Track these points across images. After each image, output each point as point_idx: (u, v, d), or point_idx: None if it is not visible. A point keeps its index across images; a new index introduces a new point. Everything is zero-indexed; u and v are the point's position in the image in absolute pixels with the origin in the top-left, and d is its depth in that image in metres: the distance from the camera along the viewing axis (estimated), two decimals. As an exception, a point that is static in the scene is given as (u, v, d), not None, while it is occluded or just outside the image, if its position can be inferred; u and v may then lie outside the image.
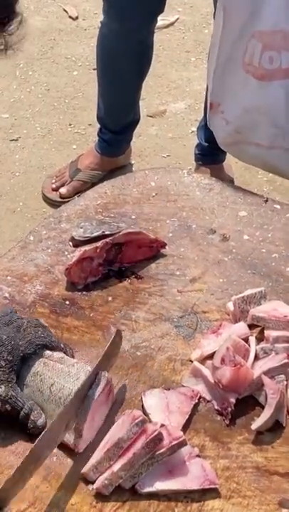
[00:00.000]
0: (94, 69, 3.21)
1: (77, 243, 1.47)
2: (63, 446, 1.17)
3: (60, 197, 2.77)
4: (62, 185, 2.78)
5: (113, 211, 1.60)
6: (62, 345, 1.27)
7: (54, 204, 2.77)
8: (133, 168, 2.92)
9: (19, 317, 1.27)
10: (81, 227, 1.47)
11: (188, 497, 1.13)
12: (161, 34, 3.40)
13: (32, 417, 1.17)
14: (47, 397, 1.19)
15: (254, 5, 1.62)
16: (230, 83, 1.76)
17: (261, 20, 1.64)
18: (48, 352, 1.24)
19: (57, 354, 1.24)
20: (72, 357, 1.28)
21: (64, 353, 1.26)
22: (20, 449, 1.17)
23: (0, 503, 1.05)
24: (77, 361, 1.25)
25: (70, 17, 3.73)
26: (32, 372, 1.20)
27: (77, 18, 3.72)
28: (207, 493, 1.14)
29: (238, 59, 1.70)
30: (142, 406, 1.24)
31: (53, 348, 1.24)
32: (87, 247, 1.43)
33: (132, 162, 2.94)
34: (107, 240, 1.44)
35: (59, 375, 1.20)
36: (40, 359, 1.22)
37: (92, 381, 1.19)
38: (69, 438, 1.16)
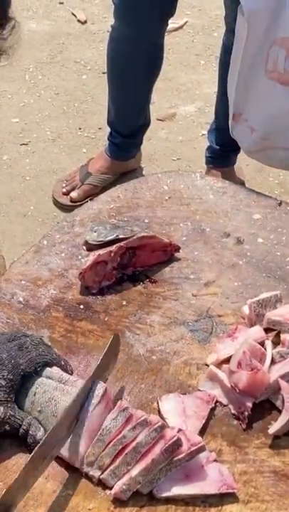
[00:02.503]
0: (103, 73, 3.22)
1: (91, 247, 1.47)
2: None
3: (71, 201, 2.77)
4: (73, 189, 2.79)
5: (126, 215, 1.59)
6: (62, 362, 1.25)
7: (65, 208, 2.78)
8: (143, 172, 2.92)
9: (25, 334, 1.25)
10: (95, 231, 1.47)
11: (206, 502, 1.13)
12: (170, 37, 3.40)
13: (31, 432, 1.15)
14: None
15: (275, 13, 1.63)
16: (253, 92, 1.78)
17: (283, 26, 1.65)
18: (48, 369, 1.22)
19: (56, 372, 1.22)
20: (72, 372, 1.27)
21: (64, 370, 1.24)
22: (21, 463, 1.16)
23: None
24: (77, 379, 1.22)
25: (79, 21, 3.74)
26: (46, 397, 1.18)
27: (86, 22, 3.73)
28: (225, 497, 1.13)
29: (260, 68, 1.72)
30: (158, 411, 1.24)
31: (53, 365, 1.23)
32: (101, 251, 1.43)
33: (142, 166, 2.94)
34: (121, 243, 1.44)
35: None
36: (41, 378, 1.20)
37: (87, 392, 1.17)
38: (65, 452, 1.16)
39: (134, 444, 1.13)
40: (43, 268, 1.49)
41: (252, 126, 1.83)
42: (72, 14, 3.78)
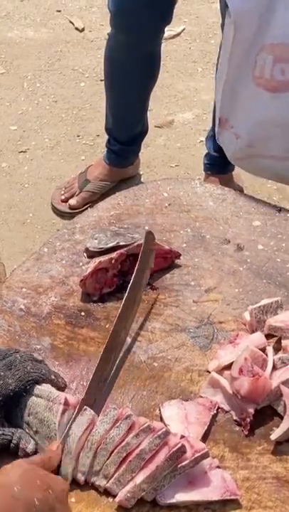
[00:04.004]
0: (101, 80, 3.23)
1: (91, 254, 1.47)
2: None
3: (70, 208, 2.78)
4: (72, 196, 2.79)
5: (126, 222, 1.60)
6: (52, 377, 1.25)
7: (63, 215, 2.78)
8: (142, 179, 2.93)
9: (16, 350, 1.25)
10: (95, 239, 1.47)
11: (209, 508, 1.13)
12: (167, 45, 3.41)
13: (21, 446, 1.16)
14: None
15: (263, 19, 1.63)
16: (240, 98, 1.76)
17: (271, 33, 1.64)
18: (37, 387, 1.21)
19: (45, 390, 1.20)
20: (65, 386, 1.27)
21: (54, 384, 1.24)
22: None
23: None
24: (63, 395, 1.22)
25: (77, 29, 3.75)
26: (38, 418, 1.17)
27: (83, 29, 3.74)
28: (228, 504, 1.13)
29: (248, 73, 1.70)
30: (161, 417, 1.24)
31: (43, 381, 1.22)
32: (102, 258, 1.43)
33: (141, 172, 2.95)
34: (122, 250, 1.44)
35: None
36: (31, 398, 1.19)
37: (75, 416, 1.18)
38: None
39: (137, 450, 1.13)
40: (44, 275, 1.49)
41: (237, 133, 1.81)
42: (70, 22, 3.79)
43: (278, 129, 1.73)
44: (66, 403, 1.17)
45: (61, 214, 2.79)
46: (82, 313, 1.43)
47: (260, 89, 1.70)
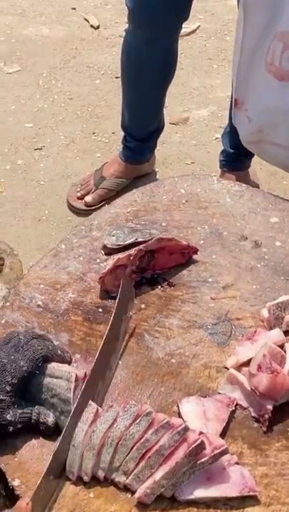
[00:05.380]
0: (116, 77, 3.23)
1: (109, 251, 1.47)
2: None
3: (86, 205, 2.78)
4: (87, 193, 2.79)
5: (143, 219, 1.60)
6: (59, 352, 1.27)
7: (79, 212, 2.78)
8: (157, 176, 2.93)
9: (16, 333, 1.25)
10: (113, 235, 1.47)
11: (228, 504, 1.13)
12: (183, 42, 3.40)
13: (41, 420, 1.18)
14: None
15: (276, 5, 1.62)
16: (254, 81, 1.75)
17: (283, 21, 1.63)
18: (51, 367, 1.23)
19: (63, 369, 1.23)
20: (71, 360, 1.30)
21: (62, 359, 1.26)
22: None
23: None
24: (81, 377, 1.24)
25: (92, 26, 3.76)
26: (62, 399, 1.20)
27: (98, 27, 3.74)
28: (246, 500, 1.13)
29: (262, 58, 1.70)
30: (179, 413, 1.24)
31: (52, 358, 1.24)
32: (120, 255, 1.43)
33: (156, 169, 2.95)
34: (140, 247, 1.44)
35: None
36: (47, 379, 1.21)
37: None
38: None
39: (157, 447, 1.13)
40: (61, 272, 1.50)
41: (249, 116, 1.81)
42: (85, 19, 3.80)
43: (284, 118, 1.72)
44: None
45: (77, 211, 2.80)
46: (100, 310, 1.43)
47: (270, 76, 1.69)
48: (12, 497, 1.16)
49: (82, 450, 1.15)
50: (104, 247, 1.49)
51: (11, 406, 1.17)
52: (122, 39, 2.50)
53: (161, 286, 1.47)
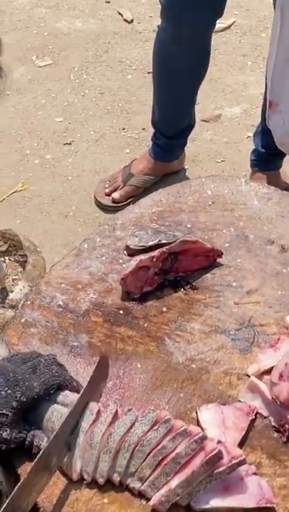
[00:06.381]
0: (148, 72, 3.21)
1: (132, 252, 1.45)
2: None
3: (113, 202, 2.76)
4: (115, 190, 2.77)
5: (168, 219, 1.57)
6: (74, 384, 1.24)
7: (107, 209, 2.77)
8: (186, 174, 2.90)
9: (38, 355, 1.24)
10: (136, 236, 1.45)
11: (244, 516, 1.11)
12: (217, 37, 3.36)
13: (35, 443, 1.16)
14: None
15: None
16: None
17: None
18: (61, 395, 1.20)
19: (69, 397, 1.20)
20: None
21: (76, 391, 1.22)
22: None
23: None
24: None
25: (125, 20, 3.73)
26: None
27: (132, 21, 3.72)
28: (263, 511, 1.11)
29: None
30: (197, 421, 1.22)
31: (66, 387, 1.22)
32: (143, 256, 1.41)
33: (186, 167, 2.92)
34: (164, 249, 1.42)
35: None
36: (55, 405, 1.19)
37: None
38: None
39: (173, 454, 1.11)
40: (83, 272, 1.48)
41: (284, 118, 1.78)
42: (119, 13, 3.77)
43: None
44: (98, 413, 1.17)
45: (104, 208, 2.78)
46: (121, 312, 1.41)
47: None
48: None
49: (99, 451, 1.14)
50: (127, 248, 1.47)
51: (10, 424, 1.15)
52: (155, 34, 2.47)
53: (184, 289, 1.44)
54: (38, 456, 1.10)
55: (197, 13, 2.23)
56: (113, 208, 2.72)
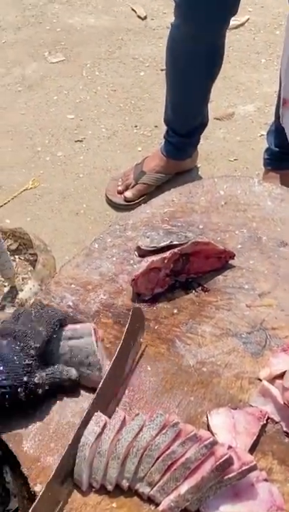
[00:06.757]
0: (161, 70, 3.19)
1: (143, 253, 1.43)
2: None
3: (125, 200, 2.75)
4: (127, 188, 2.76)
5: (180, 220, 1.55)
6: (71, 314, 1.33)
7: (118, 207, 2.75)
8: (199, 172, 2.88)
9: (23, 308, 1.31)
10: (148, 237, 1.43)
11: (255, 522, 1.09)
12: (231, 35, 3.34)
13: (64, 376, 1.23)
14: None
15: None
16: None
17: None
18: (69, 332, 1.26)
19: (78, 330, 1.26)
20: (82, 319, 1.33)
21: (74, 320, 1.31)
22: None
23: None
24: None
25: (139, 16, 3.71)
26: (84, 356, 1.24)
27: (145, 17, 3.70)
28: (274, 519, 1.09)
29: None
30: (208, 425, 1.20)
31: (66, 322, 1.28)
32: (154, 258, 1.39)
33: (198, 165, 2.90)
34: (175, 250, 1.40)
35: None
36: (64, 341, 1.25)
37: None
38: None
39: (183, 459, 1.10)
40: (93, 272, 1.46)
41: None
42: (132, 10, 3.75)
43: None
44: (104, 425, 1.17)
45: (115, 206, 2.77)
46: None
47: None
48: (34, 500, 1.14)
49: (108, 458, 1.12)
50: (138, 249, 1.45)
51: (37, 369, 1.21)
52: (169, 31, 2.45)
53: (195, 291, 1.42)
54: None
55: (211, 11, 2.21)
56: (124, 207, 2.71)
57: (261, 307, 1.39)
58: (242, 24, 3.60)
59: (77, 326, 1.27)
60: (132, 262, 1.47)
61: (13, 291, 2.05)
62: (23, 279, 2.13)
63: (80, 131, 3.10)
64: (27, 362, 1.19)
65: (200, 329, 1.36)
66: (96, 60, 3.47)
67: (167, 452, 1.11)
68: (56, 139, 3.06)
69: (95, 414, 1.16)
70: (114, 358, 1.24)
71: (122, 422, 1.15)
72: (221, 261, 1.46)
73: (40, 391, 1.20)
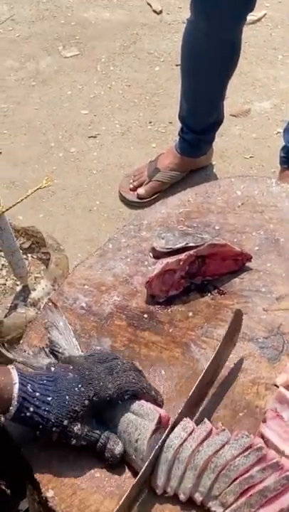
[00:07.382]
0: (176, 65, 3.15)
1: (158, 254, 1.41)
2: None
3: (138, 197, 2.72)
4: (141, 185, 2.73)
5: (196, 220, 1.52)
6: (153, 393, 1.19)
7: (131, 204, 2.72)
8: (214, 170, 2.84)
9: (116, 357, 1.21)
10: (163, 238, 1.40)
11: None
12: (247, 30, 3.29)
13: (109, 446, 1.12)
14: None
15: None
16: None
17: None
18: (136, 405, 1.16)
19: (144, 408, 1.15)
20: (162, 403, 1.20)
21: (154, 400, 1.18)
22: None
23: None
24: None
25: (154, 11, 3.67)
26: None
27: (161, 12, 3.66)
28: None
29: None
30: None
31: (142, 395, 1.17)
32: (169, 259, 1.36)
33: (213, 163, 2.86)
34: (191, 252, 1.37)
35: None
36: (132, 416, 1.15)
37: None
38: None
39: (261, 486, 1.06)
40: (107, 273, 1.44)
41: None
42: (148, 4, 3.71)
43: None
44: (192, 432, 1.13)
45: (129, 203, 2.74)
46: (145, 316, 1.36)
47: None
48: (47, 506, 1.11)
49: (186, 467, 1.10)
50: (153, 250, 1.42)
51: (81, 420, 1.12)
52: (184, 27, 2.41)
53: (211, 294, 1.40)
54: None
55: (228, 7, 2.17)
56: (138, 204, 2.69)
57: (278, 311, 1.36)
58: (259, 19, 3.56)
59: (149, 405, 1.16)
60: (146, 263, 1.44)
61: (26, 291, 2.03)
62: (35, 278, 2.11)
63: (94, 127, 3.07)
64: (76, 408, 1.11)
65: (215, 333, 1.33)
66: (111, 54, 3.43)
67: (245, 476, 1.07)
68: (70, 134, 3.04)
69: (184, 419, 1.13)
70: (210, 360, 1.19)
71: (207, 433, 1.11)
72: (238, 263, 1.43)
73: (73, 441, 1.12)
